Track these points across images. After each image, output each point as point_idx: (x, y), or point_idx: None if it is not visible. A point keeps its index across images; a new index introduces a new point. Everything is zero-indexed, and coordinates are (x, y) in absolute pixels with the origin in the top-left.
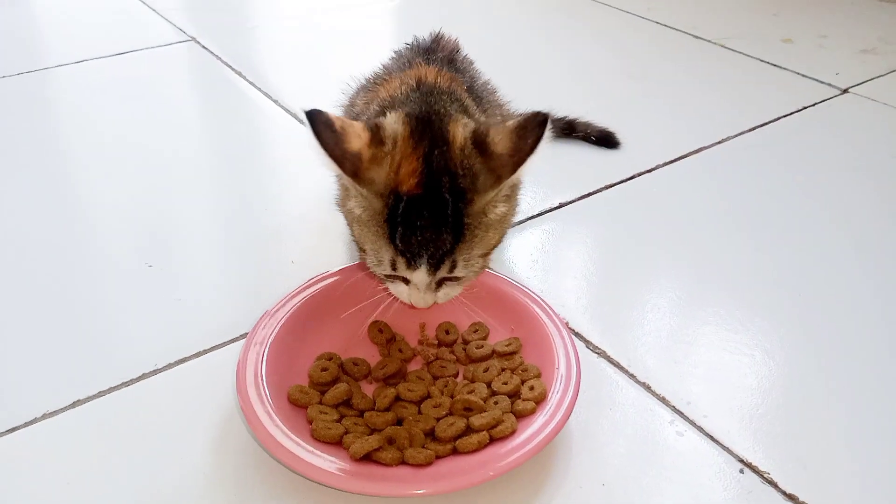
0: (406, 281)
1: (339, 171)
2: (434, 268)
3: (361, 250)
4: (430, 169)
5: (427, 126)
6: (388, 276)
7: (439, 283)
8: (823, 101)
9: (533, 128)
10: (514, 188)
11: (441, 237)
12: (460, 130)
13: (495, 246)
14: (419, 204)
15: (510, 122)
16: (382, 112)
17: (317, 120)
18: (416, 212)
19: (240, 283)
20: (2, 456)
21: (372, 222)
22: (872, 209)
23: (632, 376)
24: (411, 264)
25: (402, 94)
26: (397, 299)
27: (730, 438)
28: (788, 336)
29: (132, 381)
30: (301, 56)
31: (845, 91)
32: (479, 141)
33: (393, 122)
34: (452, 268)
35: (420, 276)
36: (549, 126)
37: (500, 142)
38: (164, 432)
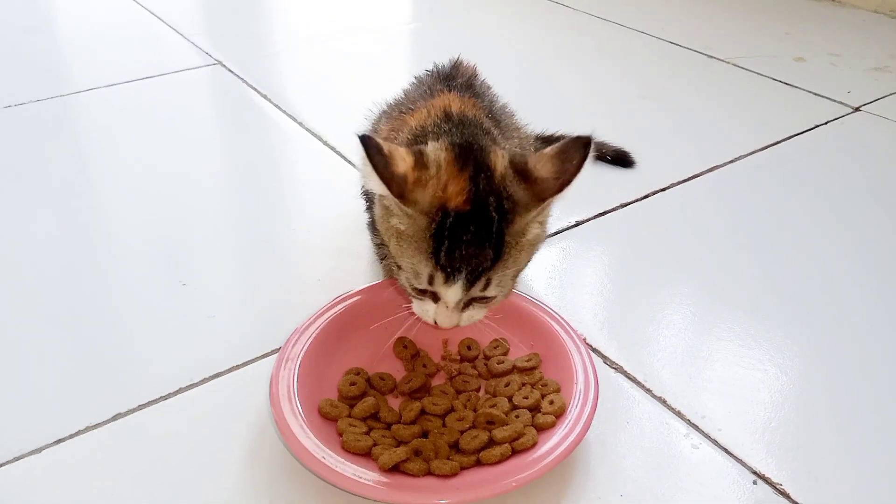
0: (435, 299)
1: (386, 191)
2: (470, 284)
3: (397, 266)
4: (477, 189)
5: (469, 153)
6: (420, 293)
7: (467, 304)
8: (836, 119)
9: (577, 150)
10: (546, 212)
11: (484, 253)
12: (500, 160)
13: (524, 268)
14: (466, 220)
15: (549, 149)
16: (415, 141)
17: (369, 144)
18: (462, 227)
19: (269, 300)
20: (48, 467)
21: (415, 238)
22: (885, 227)
23: (648, 391)
24: (449, 279)
25: (432, 124)
26: (420, 319)
27: (743, 451)
28: (801, 352)
29: (170, 395)
30: (323, 78)
31: (857, 109)
32: (519, 168)
33: (435, 149)
34: (486, 286)
35: (454, 292)
36: (592, 148)
37: (542, 167)
38: (200, 444)
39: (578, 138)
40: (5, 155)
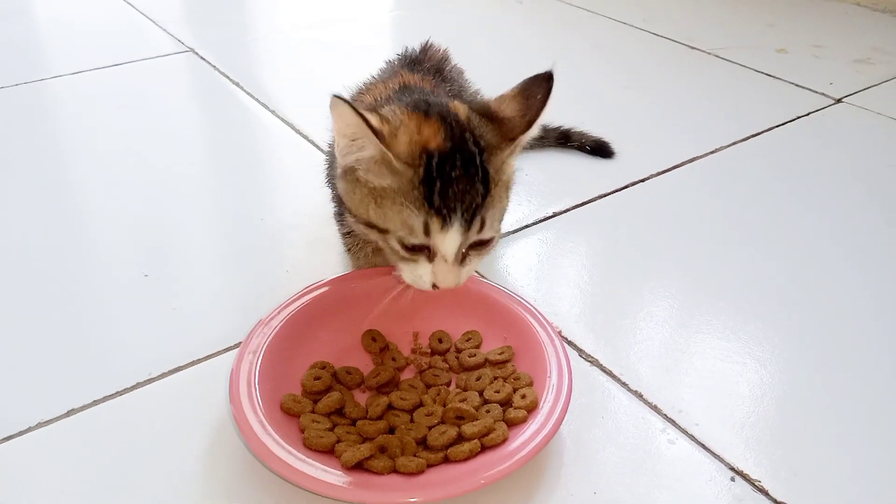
0: (430, 258)
1: (375, 143)
2: (468, 224)
3: (381, 232)
4: (450, 128)
5: (427, 105)
6: (413, 252)
7: (464, 256)
8: (817, 110)
9: (540, 85)
10: (516, 152)
11: (475, 188)
12: (460, 108)
13: (504, 212)
14: (450, 157)
15: (510, 89)
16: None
17: (346, 100)
18: (449, 164)
19: (235, 292)
20: None
21: (402, 190)
22: (866, 218)
23: (624, 385)
24: (446, 223)
25: (385, 96)
26: (396, 299)
27: (721, 446)
28: (780, 345)
29: (126, 390)
30: (298, 67)
31: (839, 101)
32: (483, 111)
33: (391, 109)
34: (482, 226)
35: (452, 237)
36: (553, 80)
37: (506, 107)
38: (157, 441)
39: (540, 74)
40: None
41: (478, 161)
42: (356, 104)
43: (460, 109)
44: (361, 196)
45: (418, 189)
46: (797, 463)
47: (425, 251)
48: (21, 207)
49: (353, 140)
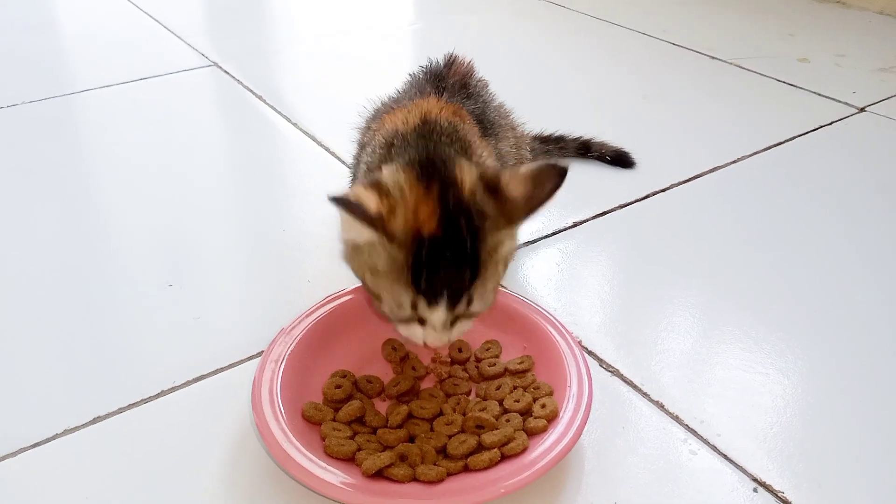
0: (422, 322)
1: (373, 235)
2: (453, 304)
3: (376, 298)
4: (447, 209)
5: (433, 168)
6: (405, 320)
7: (454, 321)
8: (840, 119)
9: (551, 176)
10: (516, 229)
11: (461, 274)
12: (466, 174)
13: (502, 278)
14: (440, 244)
15: (524, 169)
16: (387, 147)
17: (341, 202)
18: (437, 252)
19: (257, 301)
20: (24, 471)
21: (392, 270)
22: (890, 228)
23: (645, 395)
24: (431, 303)
25: (402, 132)
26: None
27: (744, 457)
28: (803, 355)
29: (151, 398)
30: (320, 79)
31: (862, 110)
32: (490, 184)
33: (391, 173)
34: (469, 303)
35: (439, 314)
36: (566, 178)
37: (514, 187)
38: (181, 448)
39: (555, 165)
40: (2, 153)
41: (469, 247)
42: (355, 195)
43: (467, 179)
44: (359, 263)
45: (407, 272)
46: (821, 474)
47: (416, 317)
48: (49, 218)
49: (350, 224)
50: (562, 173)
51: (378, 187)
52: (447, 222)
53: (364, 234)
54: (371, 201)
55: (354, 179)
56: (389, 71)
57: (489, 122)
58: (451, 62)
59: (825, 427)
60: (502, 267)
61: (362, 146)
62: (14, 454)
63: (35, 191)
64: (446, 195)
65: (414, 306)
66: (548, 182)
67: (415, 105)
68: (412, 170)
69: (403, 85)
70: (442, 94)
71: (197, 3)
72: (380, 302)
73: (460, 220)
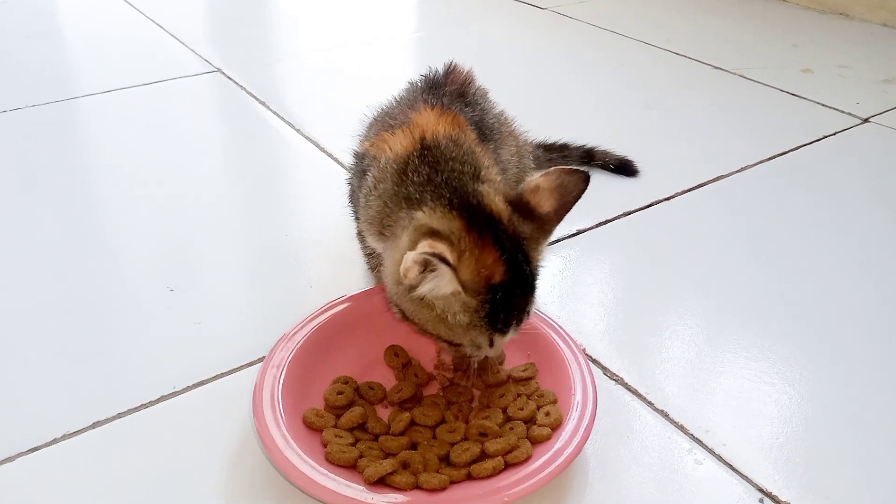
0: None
1: (455, 284)
2: (519, 325)
3: (454, 345)
4: (504, 250)
5: (472, 212)
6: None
7: None
8: (844, 130)
9: (577, 182)
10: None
11: (528, 301)
12: (497, 205)
13: None
14: (511, 286)
15: (545, 181)
16: (401, 174)
17: (443, 260)
18: (510, 294)
19: (258, 307)
20: (23, 475)
21: (471, 319)
22: (893, 238)
23: (650, 404)
24: (505, 334)
25: (412, 162)
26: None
27: (749, 467)
28: (809, 364)
29: (151, 403)
30: (323, 86)
31: (866, 120)
32: (520, 206)
33: (438, 220)
34: (528, 315)
35: (509, 336)
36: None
37: (544, 202)
38: (181, 454)
39: (575, 171)
40: (5, 158)
41: (529, 277)
42: (432, 248)
43: (501, 210)
44: (430, 317)
45: (483, 319)
46: (827, 485)
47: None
48: (51, 223)
49: (427, 277)
50: (586, 179)
51: (440, 236)
52: (510, 263)
53: (449, 287)
54: (446, 252)
55: (353, 194)
56: (392, 79)
57: (488, 128)
58: (450, 70)
59: (831, 437)
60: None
61: (359, 159)
62: (13, 458)
63: (37, 195)
64: (498, 236)
65: (491, 344)
66: (574, 188)
67: (414, 123)
68: (458, 216)
69: (401, 93)
70: (437, 104)
71: (201, 9)
72: (458, 347)
73: (518, 255)
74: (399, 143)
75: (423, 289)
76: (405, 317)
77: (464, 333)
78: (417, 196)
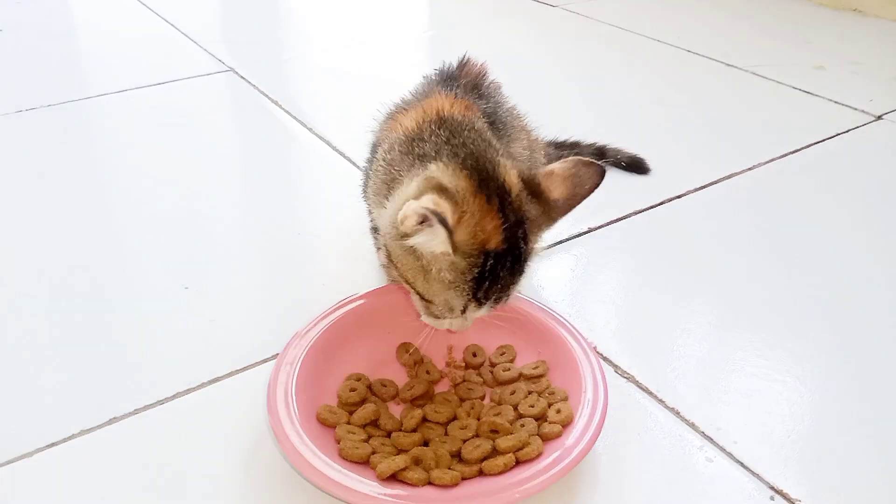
0: (454, 315)
1: (447, 245)
2: (497, 303)
3: (423, 299)
4: (507, 221)
5: (484, 176)
6: (445, 317)
7: None
8: (857, 127)
9: (591, 175)
10: None
11: (514, 280)
12: (513, 178)
13: None
14: (503, 257)
15: (560, 168)
16: (410, 142)
17: (441, 221)
18: (501, 264)
19: (272, 304)
20: (41, 471)
21: (454, 279)
22: None
23: (661, 401)
24: (481, 306)
25: (427, 129)
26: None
27: (761, 465)
28: (821, 362)
29: (166, 400)
30: (335, 85)
31: (879, 118)
32: (532, 188)
33: (449, 175)
34: (508, 298)
35: (482, 312)
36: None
37: (555, 188)
38: (196, 450)
39: (593, 163)
40: (21, 157)
41: (523, 256)
42: (435, 204)
43: (514, 183)
44: (412, 266)
45: (468, 282)
46: (838, 483)
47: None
48: (67, 221)
49: (423, 230)
50: (601, 173)
51: (447, 194)
52: (509, 235)
53: (441, 247)
54: (448, 212)
55: (367, 180)
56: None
57: (500, 122)
58: (464, 64)
59: (843, 435)
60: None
61: (375, 145)
62: (31, 454)
63: (53, 194)
64: (504, 206)
65: (464, 310)
66: (588, 181)
67: (427, 102)
68: (469, 176)
69: (417, 86)
70: (451, 93)
71: (214, 9)
72: (427, 304)
73: (518, 231)
74: (411, 120)
75: (416, 240)
76: (390, 260)
77: (441, 292)
78: (433, 153)
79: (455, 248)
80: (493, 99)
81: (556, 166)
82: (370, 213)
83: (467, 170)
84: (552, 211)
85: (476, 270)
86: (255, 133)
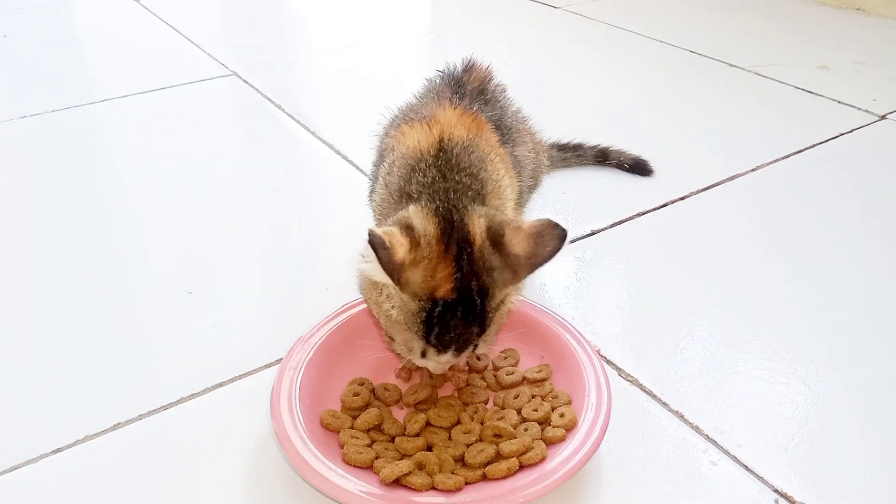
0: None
1: (389, 281)
2: (459, 352)
3: (388, 337)
4: (461, 272)
5: (450, 225)
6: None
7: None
8: (861, 127)
9: (552, 238)
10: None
11: (469, 330)
12: (478, 228)
13: (500, 326)
14: (453, 305)
15: (528, 225)
16: (410, 174)
17: (377, 245)
18: (450, 313)
19: (276, 309)
20: (46, 476)
21: (406, 320)
22: None
23: (664, 404)
24: (440, 352)
25: (424, 161)
26: None
27: (765, 468)
28: (825, 364)
29: (170, 405)
30: (338, 89)
31: (883, 117)
32: (496, 239)
33: (420, 219)
34: (474, 349)
35: (446, 359)
36: (567, 241)
37: (516, 243)
38: (200, 455)
39: (556, 227)
40: (24, 163)
41: (478, 308)
42: (389, 236)
43: (478, 234)
44: (376, 299)
45: (420, 325)
46: (842, 485)
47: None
48: (70, 226)
49: (368, 259)
50: (562, 237)
51: (411, 234)
52: (461, 286)
53: (377, 275)
54: (402, 248)
55: (374, 188)
56: (407, 80)
57: (507, 127)
58: (469, 67)
59: (847, 438)
60: (506, 314)
61: (381, 154)
62: (36, 460)
63: (56, 199)
64: (461, 256)
65: (423, 354)
66: (549, 242)
67: (434, 118)
68: (436, 223)
69: (421, 89)
70: (461, 101)
71: (217, 13)
72: (391, 341)
73: (472, 282)
74: (415, 139)
75: (362, 265)
76: (361, 288)
77: (400, 330)
78: (416, 195)
79: (406, 285)
80: (498, 104)
81: (526, 222)
82: (374, 218)
83: (437, 217)
84: (514, 266)
85: (423, 315)
86: (259, 137)
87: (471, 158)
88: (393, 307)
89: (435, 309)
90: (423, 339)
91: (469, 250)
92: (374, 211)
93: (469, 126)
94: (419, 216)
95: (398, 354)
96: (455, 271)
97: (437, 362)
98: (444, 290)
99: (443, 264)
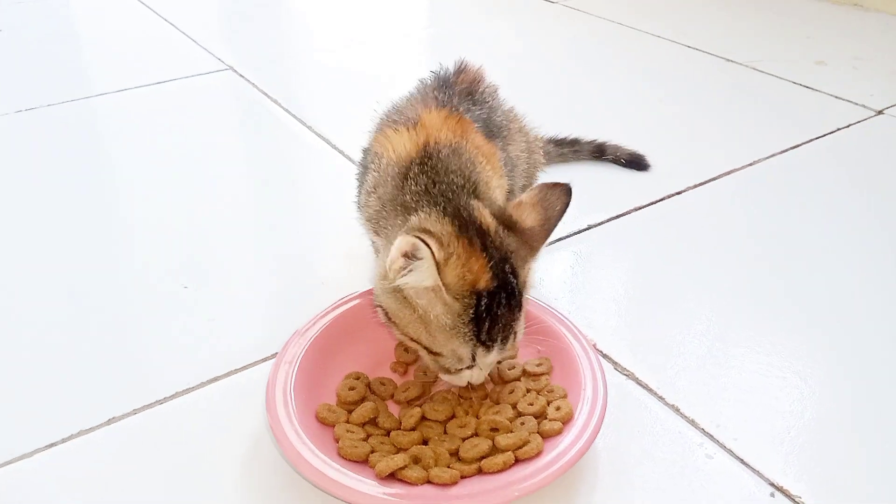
0: (470, 367)
1: (439, 282)
2: (505, 343)
3: (435, 355)
4: (493, 260)
5: (463, 220)
6: (460, 370)
7: None
8: (858, 122)
9: (560, 195)
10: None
11: (515, 317)
12: (486, 218)
13: None
14: (497, 295)
15: (528, 197)
16: (403, 177)
17: (430, 243)
18: (496, 303)
19: (271, 303)
20: (40, 471)
21: (453, 326)
22: None
23: (661, 398)
24: (489, 350)
25: (412, 169)
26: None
27: (761, 462)
28: (821, 359)
29: (165, 400)
30: (334, 84)
31: (880, 112)
32: (506, 221)
33: (434, 223)
34: (515, 337)
35: (494, 357)
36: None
37: (526, 217)
38: (195, 450)
39: (557, 185)
40: (20, 157)
41: (516, 291)
42: (428, 237)
43: (489, 223)
44: (411, 319)
45: (469, 326)
46: (838, 479)
47: (471, 365)
48: (66, 221)
49: (410, 267)
50: (568, 192)
51: (433, 236)
52: (497, 273)
53: (429, 279)
54: (436, 248)
55: (366, 201)
56: (403, 76)
57: (496, 126)
58: (460, 69)
59: (843, 431)
60: (530, 290)
61: (367, 152)
62: (30, 454)
63: (52, 193)
64: (485, 245)
65: (473, 357)
66: (557, 202)
67: (419, 121)
68: (451, 222)
69: (412, 90)
70: (447, 104)
71: (213, 8)
72: (437, 357)
73: (505, 266)
74: (402, 146)
75: (405, 280)
76: (388, 318)
77: (446, 341)
78: (413, 205)
79: (447, 287)
80: (487, 104)
81: (524, 196)
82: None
83: (448, 216)
84: (531, 240)
85: (472, 311)
86: (255, 131)
87: (458, 159)
88: (438, 315)
89: (481, 302)
90: (473, 338)
91: (489, 238)
92: (367, 223)
93: (453, 128)
94: (429, 220)
95: (442, 372)
96: (488, 260)
97: (483, 365)
98: (485, 280)
99: (474, 257)
